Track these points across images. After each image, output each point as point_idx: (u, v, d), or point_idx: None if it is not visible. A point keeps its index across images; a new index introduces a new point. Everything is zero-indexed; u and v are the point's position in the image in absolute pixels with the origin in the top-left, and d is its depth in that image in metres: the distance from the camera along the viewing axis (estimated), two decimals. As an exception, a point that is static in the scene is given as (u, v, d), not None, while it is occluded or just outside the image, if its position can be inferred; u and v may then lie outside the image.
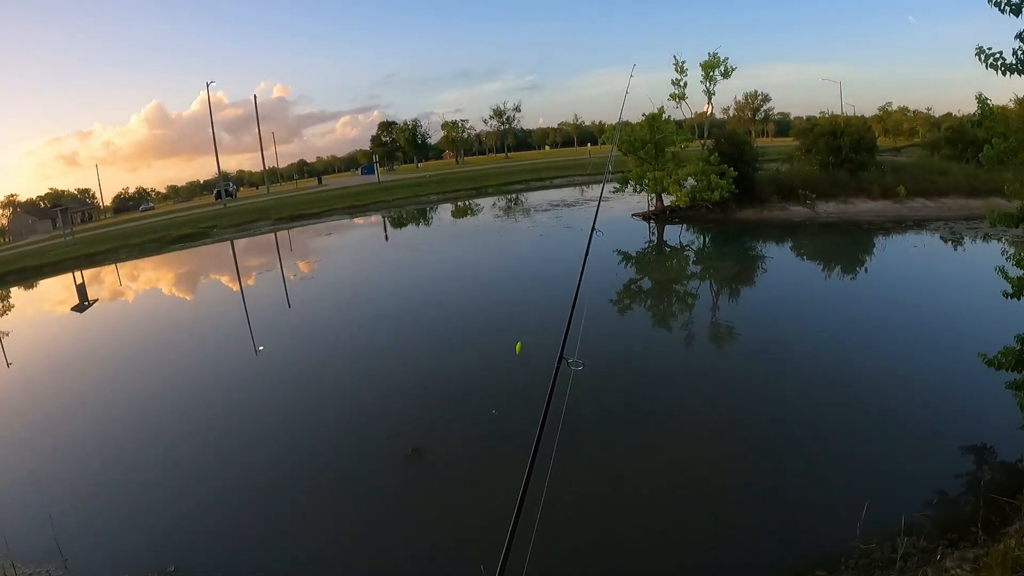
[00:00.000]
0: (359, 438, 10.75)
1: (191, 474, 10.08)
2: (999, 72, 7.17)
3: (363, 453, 10.21)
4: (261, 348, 16.42)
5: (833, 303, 17.25)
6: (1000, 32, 7.27)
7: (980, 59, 7.34)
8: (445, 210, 47.64)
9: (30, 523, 8.76)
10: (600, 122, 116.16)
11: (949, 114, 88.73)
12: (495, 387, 12.10)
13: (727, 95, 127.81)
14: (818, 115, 70.02)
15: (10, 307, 30.09)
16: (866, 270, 21.26)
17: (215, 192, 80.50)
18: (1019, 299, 8.09)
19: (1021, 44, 7.10)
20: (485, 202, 49.66)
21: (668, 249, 26.96)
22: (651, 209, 32.70)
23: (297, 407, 12.33)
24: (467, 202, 50.87)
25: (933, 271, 20.66)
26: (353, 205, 50.64)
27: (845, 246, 24.95)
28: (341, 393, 12.85)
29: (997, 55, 7.19)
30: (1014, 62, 7.13)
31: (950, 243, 24.20)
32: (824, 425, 10.01)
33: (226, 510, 9.03)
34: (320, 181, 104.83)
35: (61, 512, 8.89)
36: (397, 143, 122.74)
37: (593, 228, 5.42)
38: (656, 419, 10.57)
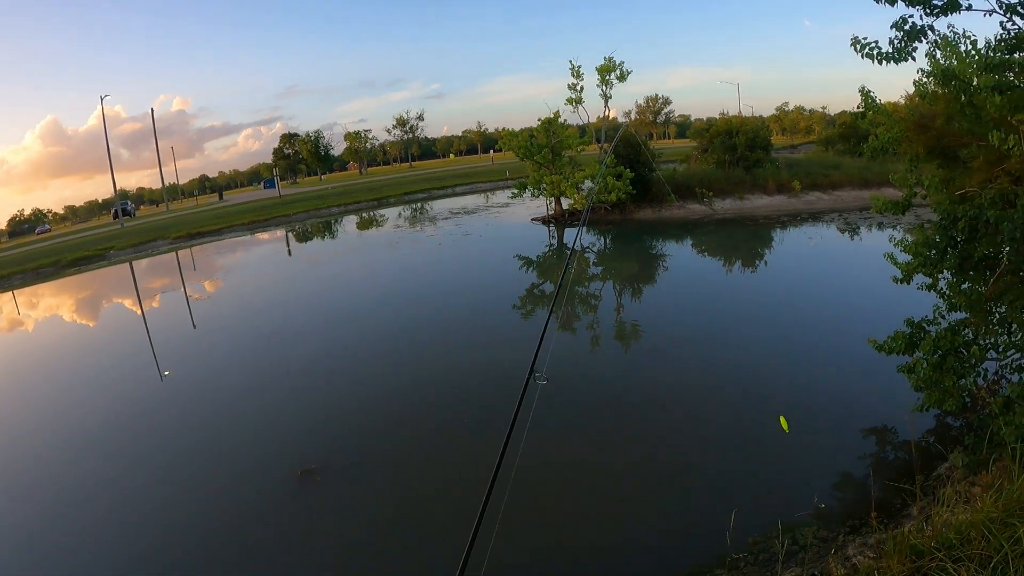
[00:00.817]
0: (271, 462, 9.94)
1: (96, 510, 9.23)
2: (875, 61, 7.04)
3: (275, 477, 9.44)
4: (167, 373, 15.26)
5: (729, 298, 17.47)
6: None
7: (856, 49, 7.20)
8: (348, 223, 46.32)
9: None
10: (503, 128, 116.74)
11: (844, 112, 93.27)
12: (402, 402, 11.78)
13: (628, 99, 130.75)
14: (718, 116, 72.48)
15: None
16: (765, 263, 21.65)
17: (112, 211, 76.40)
18: (908, 284, 8.37)
19: (896, 33, 6.97)
20: (389, 212, 48.69)
21: (568, 252, 26.70)
22: (550, 213, 32.59)
23: (206, 433, 11.48)
24: (370, 213, 49.61)
25: (828, 261, 21.26)
26: (254, 220, 48.55)
27: (743, 241, 25.46)
28: (250, 416, 12.01)
29: (873, 44, 7.06)
30: (890, 51, 7.00)
31: (845, 233, 25.05)
32: (723, 415, 9.98)
33: (132, 545, 8.19)
34: (221, 196, 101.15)
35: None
36: (300, 155, 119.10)
37: (575, 246, 4.91)
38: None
